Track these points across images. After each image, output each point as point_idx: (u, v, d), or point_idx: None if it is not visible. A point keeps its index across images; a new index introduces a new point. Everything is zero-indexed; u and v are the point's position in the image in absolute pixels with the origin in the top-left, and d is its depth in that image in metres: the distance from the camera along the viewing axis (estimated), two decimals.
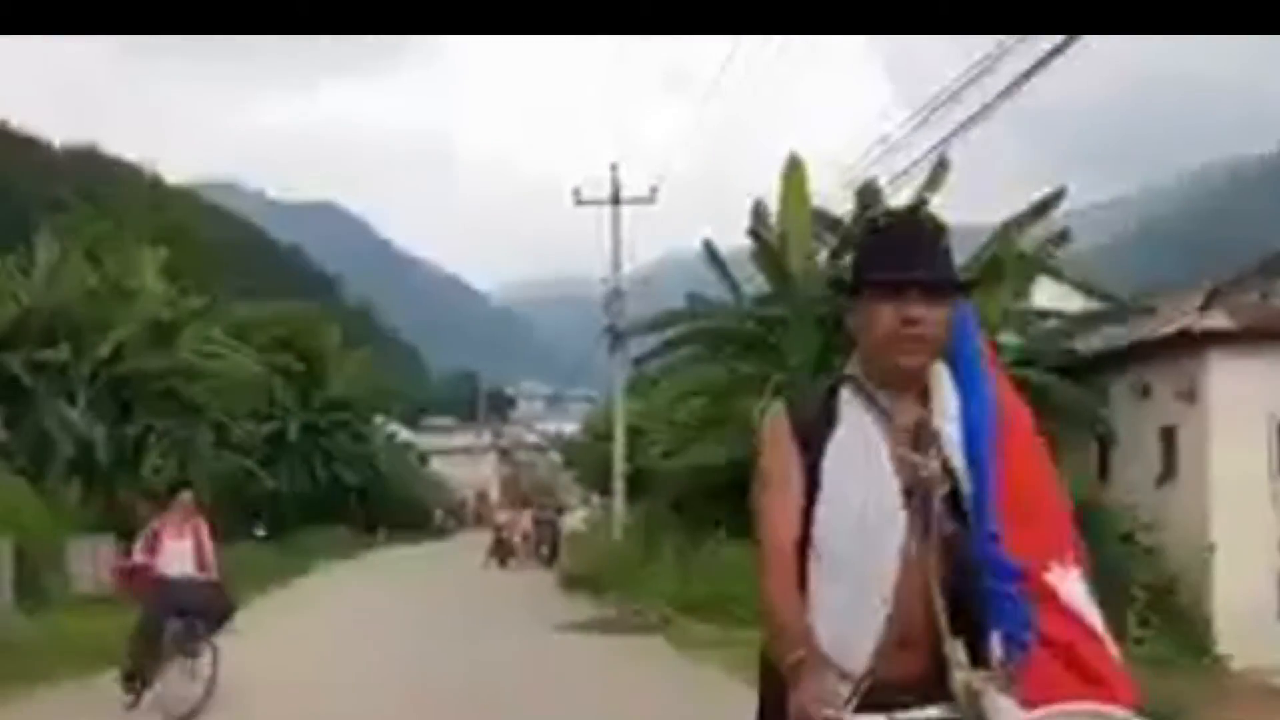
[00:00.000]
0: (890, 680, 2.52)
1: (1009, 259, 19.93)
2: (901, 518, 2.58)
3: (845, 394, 2.72)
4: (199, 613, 10.56)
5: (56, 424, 23.06)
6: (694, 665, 13.42)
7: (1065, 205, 22.18)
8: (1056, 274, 26.56)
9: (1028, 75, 13.66)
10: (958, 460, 2.64)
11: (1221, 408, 17.55)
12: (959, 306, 2.76)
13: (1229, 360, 17.56)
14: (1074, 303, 24.55)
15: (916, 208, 2.97)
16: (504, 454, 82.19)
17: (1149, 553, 17.83)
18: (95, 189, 73.11)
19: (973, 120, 16.16)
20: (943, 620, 2.52)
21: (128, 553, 12.40)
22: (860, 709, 2.49)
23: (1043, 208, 20.11)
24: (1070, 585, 2.56)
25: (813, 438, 2.68)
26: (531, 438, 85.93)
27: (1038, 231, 22.29)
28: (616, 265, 29.48)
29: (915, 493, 2.59)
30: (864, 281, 2.73)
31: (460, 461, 73.23)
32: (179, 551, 10.88)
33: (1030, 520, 2.59)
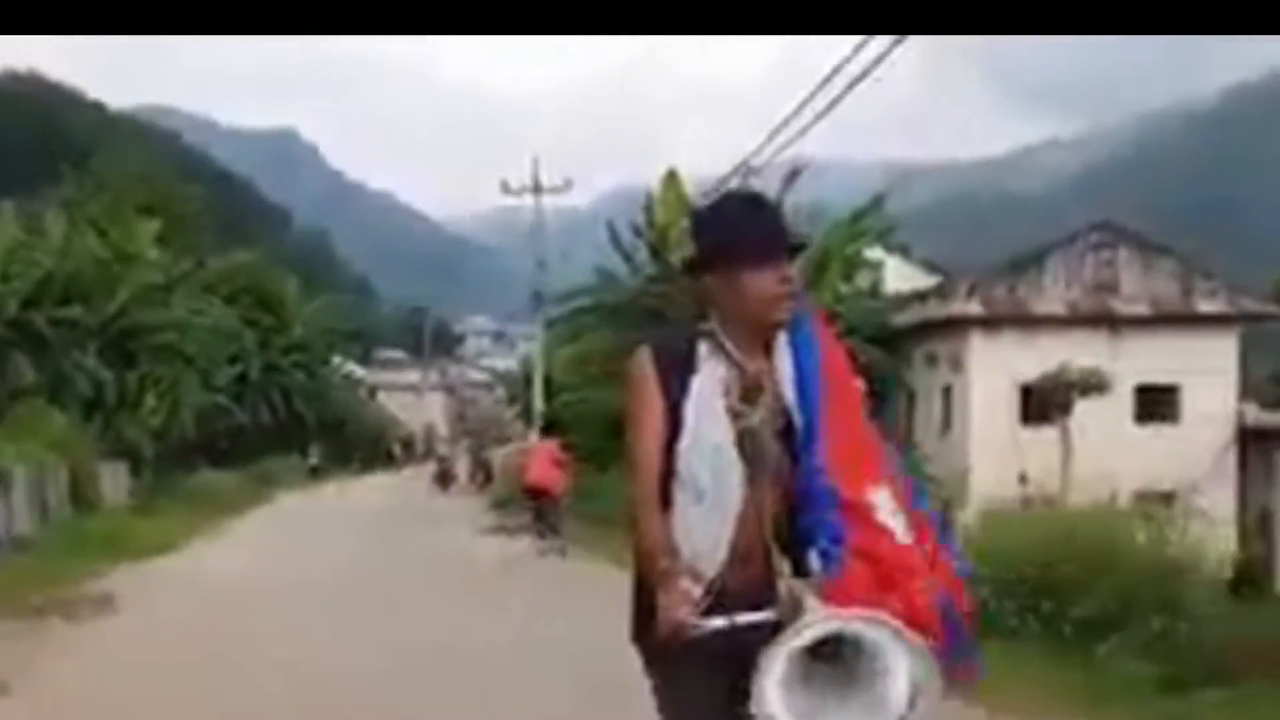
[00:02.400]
0: (732, 590, 3.03)
1: (835, 252, 26.14)
2: (739, 455, 3.11)
3: (704, 348, 3.18)
4: None
5: (74, 370, 29.05)
6: (584, 557, 19.43)
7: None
8: (905, 253, 33.18)
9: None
10: (791, 402, 3.15)
11: (979, 374, 24.07)
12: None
13: (984, 338, 24.06)
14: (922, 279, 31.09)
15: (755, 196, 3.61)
16: (450, 391, 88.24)
17: (929, 480, 24.31)
18: (46, 122, 77.58)
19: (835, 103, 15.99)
20: (771, 540, 3.06)
21: None
22: (707, 613, 2.96)
23: (861, 214, 26.34)
24: (884, 505, 3.04)
25: (674, 382, 3.14)
26: (477, 375, 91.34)
27: (873, 222, 28.49)
28: (538, 234, 35.94)
29: (747, 434, 3.12)
30: (737, 253, 3.15)
31: (409, 397, 79.33)
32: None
33: (852, 451, 3.12)
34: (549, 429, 27.23)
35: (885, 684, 2.78)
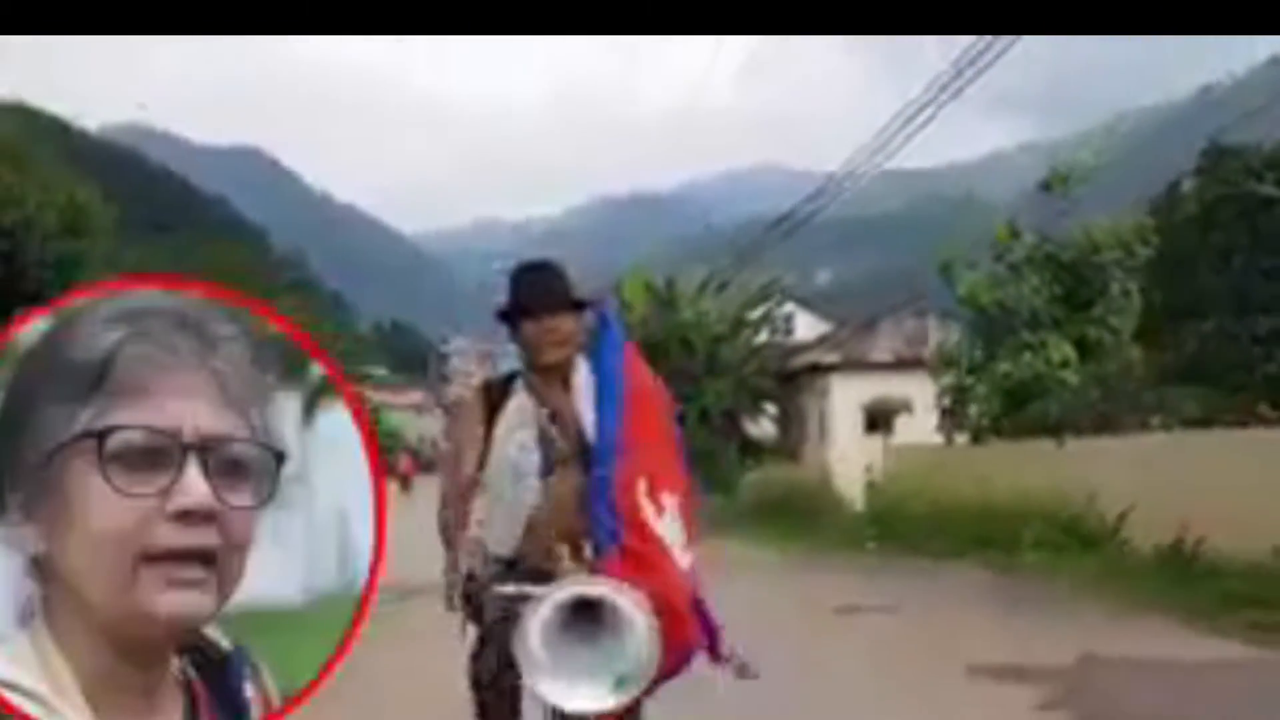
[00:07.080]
0: (528, 569, 3.99)
1: (742, 317, 39.79)
2: (536, 466, 4.13)
3: (518, 383, 4.28)
4: None
5: None
6: None
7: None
8: (808, 306, 47.49)
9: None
10: (588, 426, 4.14)
11: (838, 401, 37.96)
12: (602, 314, 4.37)
13: (839, 376, 38.01)
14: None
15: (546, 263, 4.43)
16: (446, 410, 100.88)
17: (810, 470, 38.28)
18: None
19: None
20: (553, 534, 4.03)
21: None
22: (503, 582, 3.92)
23: (763, 296, 40.19)
24: (661, 513, 3.95)
25: (492, 410, 4.25)
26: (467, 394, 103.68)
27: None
28: None
29: (544, 452, 4.16)
30: (515, 309, 4.24)
31: (411, 416, 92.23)
32: None
33: (643, 467, 4.02)
34: None
35: (624, 636, 3.54)
